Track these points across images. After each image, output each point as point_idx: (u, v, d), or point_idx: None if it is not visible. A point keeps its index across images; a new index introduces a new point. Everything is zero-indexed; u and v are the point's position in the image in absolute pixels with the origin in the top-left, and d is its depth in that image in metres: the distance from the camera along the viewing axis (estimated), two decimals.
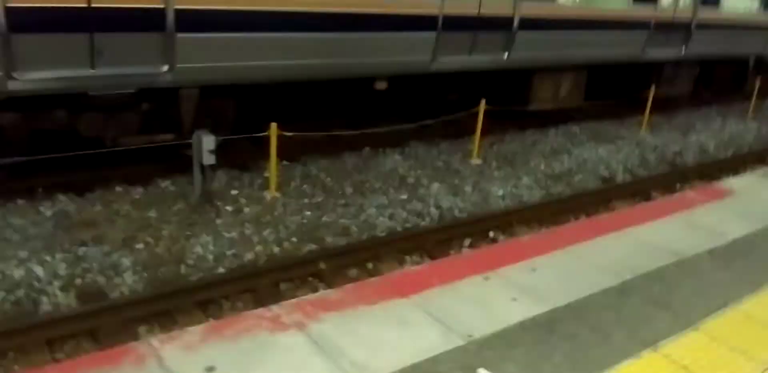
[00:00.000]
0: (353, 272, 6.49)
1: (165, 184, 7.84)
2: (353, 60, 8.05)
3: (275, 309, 4.14)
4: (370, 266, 6.60)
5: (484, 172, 9.21)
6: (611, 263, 5.18)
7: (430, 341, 3.89)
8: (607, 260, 5.23)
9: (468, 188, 8.47)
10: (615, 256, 5.33)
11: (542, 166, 9.68)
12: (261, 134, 7.60)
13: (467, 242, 7.30)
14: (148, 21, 6.53)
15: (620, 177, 9.88)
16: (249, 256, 6.43)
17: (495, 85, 10.42)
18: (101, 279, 5.88)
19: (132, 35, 6.50)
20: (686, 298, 4.70)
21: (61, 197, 7.32)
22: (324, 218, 7.27)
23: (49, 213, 6.94)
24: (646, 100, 12.02)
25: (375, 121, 9.27)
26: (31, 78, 6.14)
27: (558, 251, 5.31)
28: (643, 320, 4.36)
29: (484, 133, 9.64)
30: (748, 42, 14.13)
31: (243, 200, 7.52)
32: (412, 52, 8.56)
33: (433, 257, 6.86)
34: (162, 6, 6.51)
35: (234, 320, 4.01)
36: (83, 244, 6.37)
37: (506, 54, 9.58)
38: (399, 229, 7.30)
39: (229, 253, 6.43)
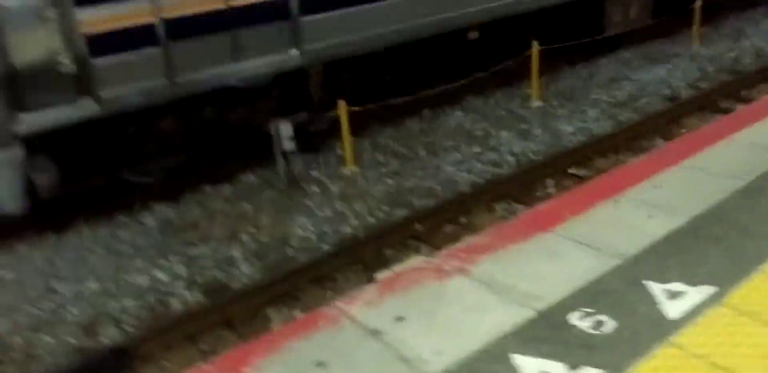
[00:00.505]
0: (449, 228, 6.71)
1: (248, 178, 8.16)
2: (451, 13, 8.56)
3: (434, 260, 4.45)
4: (463, 220, 6.81)
5: (547, 112, 9.23)
6: (729, 168, 5.26)
7: (588, 265, 4.10)
8: (725, 166, 5.30)
9: (536, 131, 8.53)
10: (731, 161, 5.39)
11: (604, 97, 9.61)
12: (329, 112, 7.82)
13: (550, 182, 7.40)
14: (276, 11, 7.15)
15: (684, 93, 9.74)
16: (347, 230, 6.72)
17: (571, 20, 10.71)
18: (219, 273, 6.27)
19: (265, 26, 7.12)
20: None
21: (158, 207, 7.71)
22: (406, 183, 7.48)
23: (152, 223, 7.34)
24: (692, 12, 11.69)
25: (430, 82, 9.34)
26: (189, 80, 6.77)
27: (673, 167, 5.37)
28: None
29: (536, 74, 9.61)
30: None
31: (326, 179, 7.79)
32: None
33: (520, 202, 7.02)
34: None
35: (400, 275, 4.30)
36: (192, 244, 6.77)
37: None
38: (480, 181, 7.45)
39: (328, 230, 6.73)
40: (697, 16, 11.68)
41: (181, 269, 6.32)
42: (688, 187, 5.05)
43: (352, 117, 7.87)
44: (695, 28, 11.83)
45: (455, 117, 9.37)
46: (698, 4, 11.62)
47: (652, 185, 5.13)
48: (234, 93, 7.34)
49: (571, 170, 7.60)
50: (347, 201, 7.21)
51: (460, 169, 7.66)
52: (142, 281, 6.20)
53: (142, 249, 6.79)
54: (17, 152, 6.30)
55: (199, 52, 6.78)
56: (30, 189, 6.56)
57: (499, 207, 7.00)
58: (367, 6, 7.80)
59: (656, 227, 4.47)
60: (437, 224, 6.71)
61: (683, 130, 8.41)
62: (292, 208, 7.23)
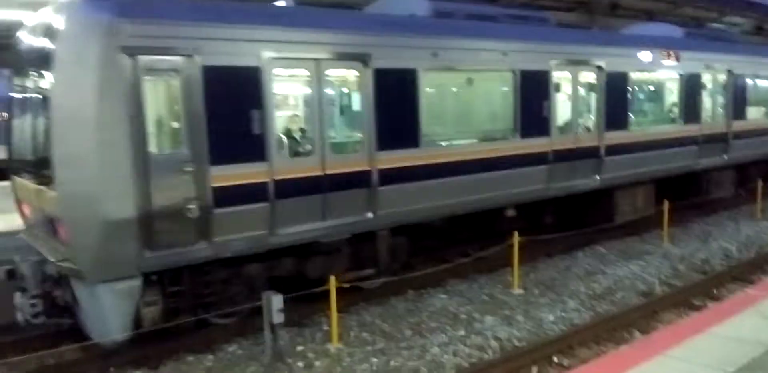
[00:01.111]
0: None
1: (232, 348, 8.10)
2: (493, 193, 10.14)
3: None
4: None
5: (529, 300, 9.53)
6: (709, 359, 5.63)
7: None
8: (705, 358, 5.67)
9: (520, 317, 8.75)
10: (710, 353, 5.78)
11: (582, 288, 10.01)
12: (320, 289, 8.04)
13: (534, 369, 7.45)
14: (358, 180, 8.52)
15: (658, 289, 10.17)
16: None
17: (586, 209, 12.38)
18: None
19: (349, 192, 8.43)
20: None
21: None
22: (392, 363, 7.48)
23: None
24: (661, 213, 12.62)
25: (413, 265, 9.75)
26: (287, 232, 7.84)
27: (658, 357, 5.73)
28: None
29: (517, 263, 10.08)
30: None
31: (311, 355, 7.77)
32: (533, 183, 10.75)
33: None
34: (368, 168, 8.55)
35: None
36: None
37: (597, 177, 11.83)
38: (465, 364, 7.47)
39: None
40: (666, 217, 12.60)
41: None
42: None
43: (340, 294, 8.07)
44: (665, 228, 12.68)
45: (439, 299, 9.62)
46: (666, 206, 12.61)
47: None
48: (312, 247, 8.33)
49: (555, 359, 7.69)
50: None
51: (446, 351, 7.72)
52: None
53: None
54: (137, 285, 6.96)
55: (296, 210, 7.90)
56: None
57: None
58: (428, 182, 9.20)
59: None
60: None
61: (659, 324, 8.68)
62: None
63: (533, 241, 10.60)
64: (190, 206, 7.10)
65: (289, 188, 7.82)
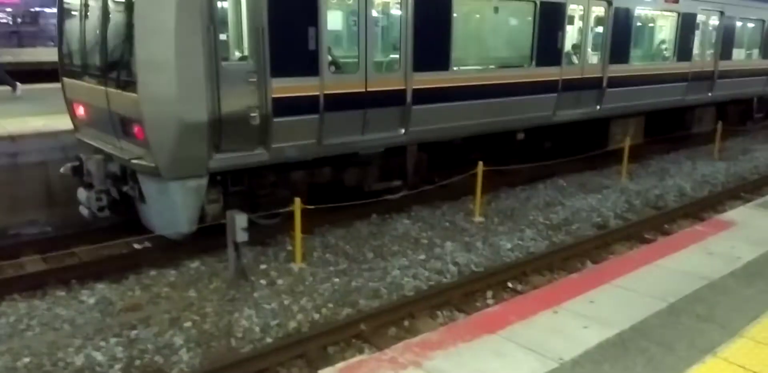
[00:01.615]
0: (392, 330, 6.88)
1: (195, 264, 8.21)
2: (509, 117, 10.97)
3: (389, 352, 4.75)
4: (406, 323, 7.01)
5: (489, 228, 9.79)
6: (654, 290, 5.94)
7: (530, 366, 4.58)
8: (650, 288, 5.98)
9: (479, 244, 9.01)
10: (655, 284, 6.09)
11: (540, 219, 10.29)
12: (284, 210, 8.12)
13: (489, 293, 7.76)
14: (395, 98, 9.18)
15: (612, 223, 10.52)
16: (293, 324, 6.79)
17: (583, 134, 13.14)
18: (159, 358, 6.18)
19: (386, 109, 9.10)
20: (725, 313, 5.50)
21: (99, 286, 7.63)
22: (353, 283, 7.69)
23: (91, 301, 7.24)
24: (622, 150, 12.88)
25: (380, 191, 9.88)
26: (332, 143, 8.58)
27: (606, 285, 6.06)
28: (697, 333, 5.13)
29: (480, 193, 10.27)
30: (751, 84, 17.71)
31: (274, 273, 7.92)
32: (543, 109, 11.60)
33: (461, 311, 7.31)
34: (404, 87, 9.20)
35: (358, 365, 4.56)
36: (133, 327, 6.68)
37: (598, 107, 12.71)
38: (425, 287, 7.74)
39: (273, 323, 6.78)
40: (626, 154, 12.87)
41: (120, 352, 6.19)
42: (618, 304, 5.66)
43: (305, 215, 8.17)
44: (624, 164, 12.97)
45: (403, 224, 9.81)
46: (627, 143, 12.86)
47: (587, 300, 5.73)
48: (349, 159, 9.23)
49: (510, 284, 8.02)
50: (294, 296, 7.32)
51: (406, 274, 7.95)
52: (79, 360, 6.03)
53: (81, 327, 6.66)
54: (204, 183, 7.75)
55: (341, 123, 8.58)
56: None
57: (442, 314, 7.25)
58: (454, 104, 9.96)
59: (590, 337, 5.01)
60: (381, 326, 6.87)
61: (610, 256, 9.04)
62: (238, 299, 7.27)
63: (497, 171, 10.79)
64: (253, 114, 7.75)
65: (336, 103, 8.46)
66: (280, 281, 7.72)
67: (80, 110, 9.07)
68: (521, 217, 10.38)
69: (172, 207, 7.70)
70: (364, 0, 8.68)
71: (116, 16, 7.87)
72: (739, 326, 5.23)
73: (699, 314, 5.44)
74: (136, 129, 7.53)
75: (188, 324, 6.74)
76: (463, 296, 7.58)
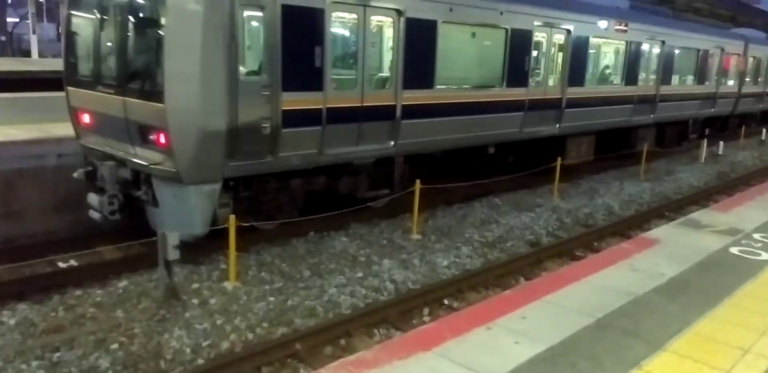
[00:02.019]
0: (328, 349, 6.78)
1: (123, 284, 7.92)
2: (483, 132, 11.98)
3: (323, 372, 4.71)
4: (342, 342, 6.92)
5: (426, 245, 9.84)
6: (582, 306, 6.11)
7: None
8: (578, 304, 6.14)
9: (416, 261, 9.03)
10: (584, 300, 6.26)
11: (476, 236, 10.42)
12: (219, 227, 7.95)
13: (426, 310, 7.77)
14: (386, 113, 9.91)
15: (545, 240, 10.74)
16: (225, 344, 6.62)
17: (543, 150, 14.11)
18: None
19: (378, 123, 9.84)
20: (650, 327, 5.67)
21: (21, 306, 7.27)
22: (289, 302, 7.56)
23: (12, 322, 6.89)
24: (554, 170, 13.22)
25: (319, 207, 9.81)
26: (331, 153, 9.19)
27: (538, 301, 6.19)
28: (624, 347, 5.29)
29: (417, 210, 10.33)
30: (688, 108, 19.45)
31: (206, 292, 7.72)
32: (511, 126, 12.61)
33: (398, 329, 7.28)
34: (394, 103, 9.97)
35: None
36: (56, 349, 6.38)
37: (557, 125, 13.82)
38: (361, 305, 7.68)
39: (205, 344, 6.59)
40: (557, 174, 13.23)
41: None
42: (548, 319, 5.79)
43: (239, 233, 8.01)
44: (555, 184, 13.32)
45: (340, 242, 9.76)
46: (558, 163, 13.23)
47: (520, 316, 5.85)
48: (342, 168, 9.84)
49: (446, 301, 8.05)
50: (227, 315, 7.13)
51: (343, 292, 7.87)
52: None
53: (0, 350, 6.30)
54: (218, 188, 8.24)
55: (339, 135, 9.24)
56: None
57: (379, 332, 7.19)
58: (436, 119, 10.80)
59: (521, 352, 5.11)
60: (317, 345, 6.76)
61: (543, 272, 9.22)
62: (168, 319, 7.04)
63: (435, 189, 10.89)
64: (264, 125, 8.31)
65: (336, 116, 9.11)
66: (212, 301, 7.52)
67: (85, 118, 9.34)
68: (458, 234, 10.48)
69: (188, 210, 8.14)
70: (362, 23, 9.43)
71: (138, 31, 8.34)
72: (663, 341, 5.41)
73: (625, 328, 5.61)
74: (157, 136, 7.96)
75: (115, 346, 6.47)
76: (399, 314, 7.56)
